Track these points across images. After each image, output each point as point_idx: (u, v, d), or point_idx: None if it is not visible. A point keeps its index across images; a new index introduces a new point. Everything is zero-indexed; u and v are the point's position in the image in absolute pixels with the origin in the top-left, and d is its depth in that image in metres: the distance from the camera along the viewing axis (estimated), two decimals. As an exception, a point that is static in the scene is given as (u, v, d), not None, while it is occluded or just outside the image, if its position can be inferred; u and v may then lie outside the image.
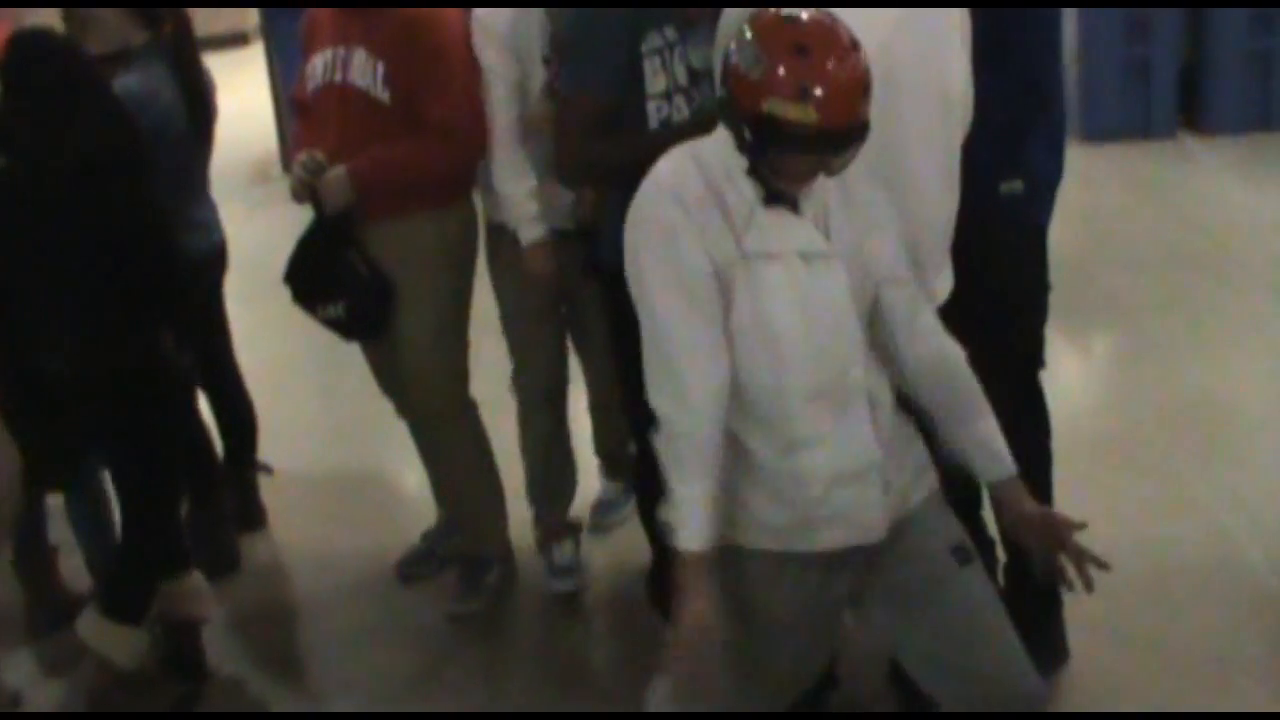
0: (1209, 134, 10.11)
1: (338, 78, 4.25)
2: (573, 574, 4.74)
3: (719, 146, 2.91)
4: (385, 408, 4.90)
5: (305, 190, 4.22)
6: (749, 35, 2.79)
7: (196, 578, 4.34)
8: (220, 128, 4.83)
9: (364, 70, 4.21)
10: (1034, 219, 3.84)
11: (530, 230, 4.29)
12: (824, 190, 2.91)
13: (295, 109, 4.66)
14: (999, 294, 3.71)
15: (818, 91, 2.70)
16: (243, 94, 10.52)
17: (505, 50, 4.18)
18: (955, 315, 3.52)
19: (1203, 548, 4.76)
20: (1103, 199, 9.02)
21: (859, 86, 2.74)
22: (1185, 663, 4.15)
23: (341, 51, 4.25)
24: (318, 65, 4.31)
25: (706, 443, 2.81)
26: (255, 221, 5.96)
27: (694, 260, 2.84)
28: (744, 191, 2.86)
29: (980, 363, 3.78)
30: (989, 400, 3.85)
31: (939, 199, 3.43)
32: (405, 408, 4.73)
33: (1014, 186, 3.70)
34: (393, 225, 4.23)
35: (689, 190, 2.87)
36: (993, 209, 3.58)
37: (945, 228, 3.47)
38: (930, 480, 3.11)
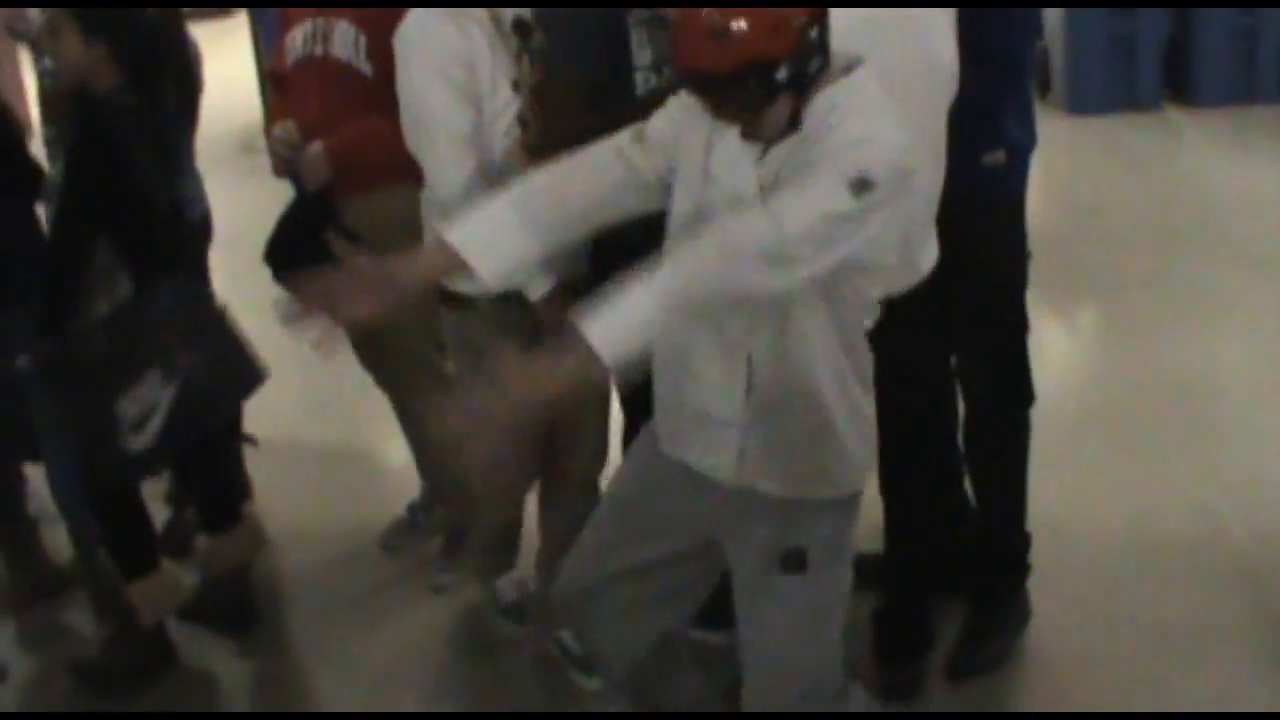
0: (1194, 107, 10.13)
1: (318, 50, 4.23)
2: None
3: None
4: (368, 380, 4.89)
5: (287, 167, 4.21)
6: None
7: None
8: (204, 99, 4.81)
9: (345, 42, 4.20)
10: (1013, 189, 3.86)
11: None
12: (793, 151, 2.77)
13: (273, 83, 4.64)
14: (984, 264, 3.73)
15: (674, 28, 2.72)
16: (227, 64, 10.47)
17: (456, 91, 3.69)
18: (941, 286, 3.53)
19: (1185, 523, 4.77)
20: (1088, 172, 9.04)
21: (703, 29, 2.62)
22: (1165, 637, 4.17)
23: (322, 23, 4.23)
24: (297, 37, 4.30)
25: (529, 189, 2.95)
26: (240, 193, 5.94)
27: (663, 122, 2.91)
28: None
29: (968, 332, 3.81)
30: (979, 367, 3.89)
31: (926, 171, 3.43)
32: (385, 380, 4.72)
33: (996, 157, 3.71)
34: (369, 198, 4.22)
35: None
36: (975, 181, 3.58)
37: (931, 199, 3.48)
38: (817, 489, 2.98)
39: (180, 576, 4.37)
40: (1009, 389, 3.98)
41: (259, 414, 5.37)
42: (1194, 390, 5.83)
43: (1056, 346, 6.47)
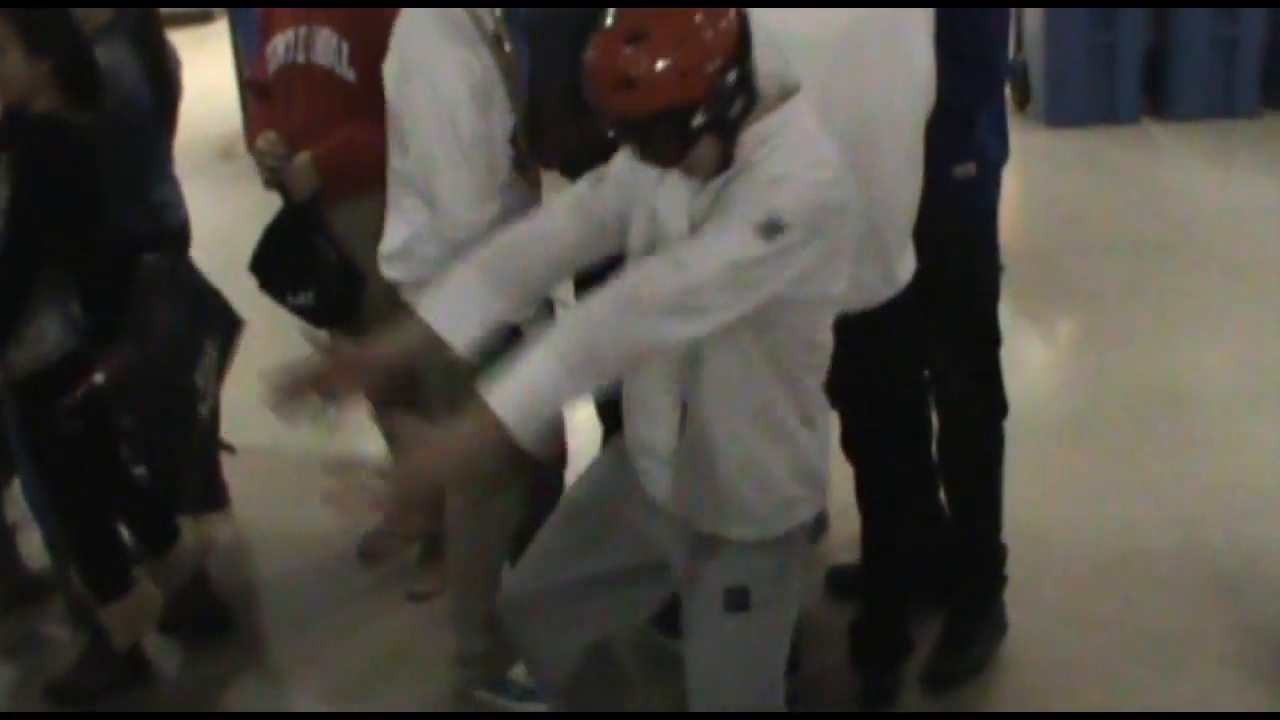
0: (1173, 120, 10.15)
1: (300, 57, 4.22)
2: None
3: None
4: (347, 388, 4.88)
5: (274, 178, 4.20)
6: None
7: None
8: (184, 105, 4.79)
9: (328, 49, 4.19)
10: (986, 201, 3.87)
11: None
12: (721, 188, 2.73)
13: (253, 91, 4.64)
14: (955, 276, 3.73)
15: (586, 73, 2.65)
16: (207, 71, 10.46)
17: (479, 124, 3.61)
18: (913, 299, 3.54)
19: (1163, 532, 4.79)
20: (1067, 184, 9.06)
21: (610, 77, 2.59)
22: (1144, 645, 4.18)
23: (304, 30, 4.22)
24: (279, 45, 4.29)
25: (492, 252, 2.98)
26: (219, 200, 5.93)
27: (621, 167, 2.91)
28: None
29: (941, 345, 3.82)
30: (953, 379, 3.89)
31: (905, 182, 3.45)
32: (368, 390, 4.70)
33: (967, 169, 3.72)
34: (356, 205, 4.21)
35: None
36: (946, 192, 3.59)
37: (909, 210, 3.49)
38: (753, 531, 2.93)
39: (155, 596, 4.32)
40: (982, 400, 3.99)
41: (238, 419, 5.35)
42: (1172, 399, 5.84)
43: (1035, 356, 6.49)
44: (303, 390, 2.96)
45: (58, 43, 3.85)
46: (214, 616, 4.56)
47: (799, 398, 2.87)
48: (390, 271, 3.86)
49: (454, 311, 2.90)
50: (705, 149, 2.67)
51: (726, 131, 2.66)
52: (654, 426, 2.91)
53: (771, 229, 2.58)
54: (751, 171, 2.67)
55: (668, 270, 2.61)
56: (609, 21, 2.63)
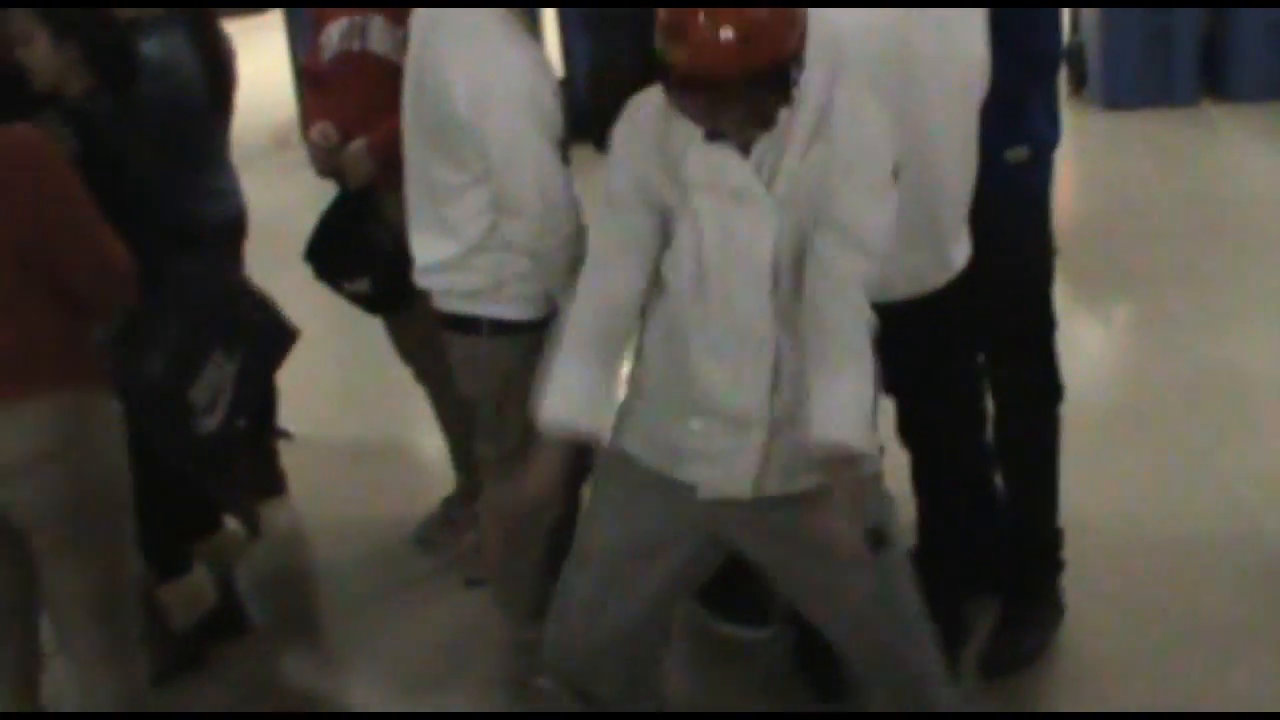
0: (1230, 102, 10.07)
1: (356, 45, 4.25)
2: None
3: None
4: (404, 374, 4.91)
5: (328, 167, 4.22)
6: None
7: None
8: (239, 94, 4.83)
9: (383, 37, 4.21)
10: (1037, 184, 3.85)
11: None
12: (786, 136, 2.79)
13: (308, 80, 4.66)
14: (1008, 261, 3.71)
15: (687, 33, 2.63)
16: (261, 60, 10.51)
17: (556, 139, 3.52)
18: (968, 284, 3.53)
19: (1218, 519, 4.75)
20: (1124, 167, 9.00)
21: (730, 33, 2.58)
22: (1198, 633, 4.16)
23: (359, 19, 4.25)
24: (333, 34, 4.31)
25: (591, 336, 2.93)
26: (274, 188, 5.97)
27: (622, 175, 2.90)
28: (686, 125, 2.80)
29: (995, 329, 3.81)
30: (1008, 364, 3.87)
31: (959, 166, 3.44)
32: (424, 375, 4.74)
33: (1019, 154, 3.70)
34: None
35: (644, 113, 2.89)
36: (999, 177, 3.57)
37: (964, 195, 3.48)
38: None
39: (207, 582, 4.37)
40: (1037, 385, 3.97)
41: (295, 408, 5.41)
42: (1229, 386, 5.80)
43: (1091, 342, 6.45)
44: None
45: (84, 27, 3.83)
46: (232, 622, 4.55)
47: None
48: (436, 283, 3.76)
49: (590, 406, 2.91)
50: (775, 107, 2.73)
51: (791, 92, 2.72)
52: (733, 395, 2.88)
53: (896, 174, 2.83)
54: (846, 128, 2.79)
55: (859, 257, 2.78)
56: None
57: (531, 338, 3.61)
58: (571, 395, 2.89)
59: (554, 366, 2.94)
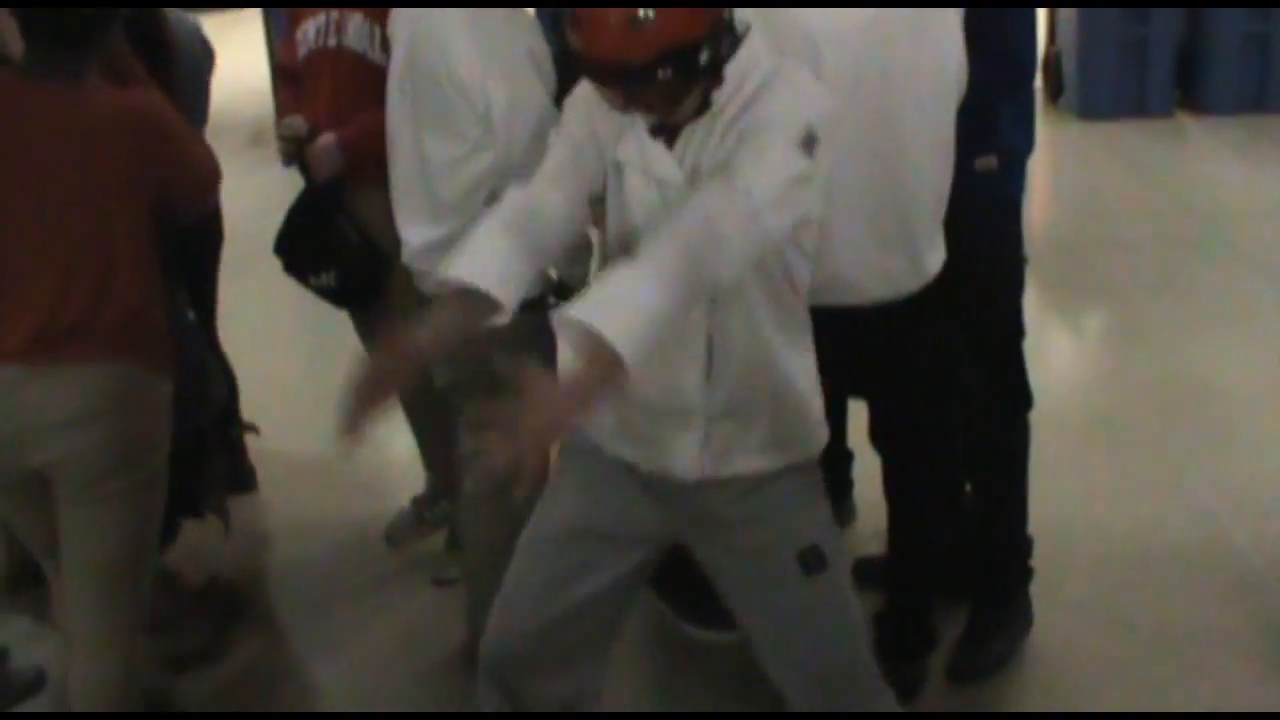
0: (1205, 114, 10.13)
1: (332, 42, 4.23)
2: None
3: None
4: (374, 374, 4.89)
5: (292, 154, 4.21)
6: None
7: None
8: (215, 89, 4.81)
9: (361, 34, 4.20)
10: (1008, 193, 3.86)
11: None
12: (708, 129, 2.72)
13: (283, 76, 4.65)
14: (977, 268, 3.71)
15: (583, 21, 2.58)
16: (238, 56, 10.51)
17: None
18: (936, 291, 3.54)
19: (1188, 529, 4.77)
20: (1098, 177, 9.04)
21: (620, 17, 2.52)
22: (1166, 642, 4.17)
23: (335, 16, 4.23)
24: (309, 30, 4.30)
25: (509, 220, 2.83)
26: (248, 186, 5.95)
27: (576, 119, 2.86)
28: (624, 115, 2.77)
29: (964, 336, 3.81)
30: (978, 371, 3.87)
31: (933, 172, 3.44)
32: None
33: (988, 162, 3.70)
34: (382, 192, 4.22)
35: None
36: (967, 185, 3.58)
37: (939, 200, 3.48)
38: (788, 455, 2.93)
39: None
40: (1006, 393, 3.98)
41: (265, 404, 5.39)
42: (1200, 396, 5.83)
43: (1062, 350, 6.47)
44: (373, 399, 2.89)
45: None
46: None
47: (802, 311, 2.91)
48: (432, 263, 3.74)
49: (498, 271, 2.75)
50: (695, 93, 2.66)
51: (717, 72, 2.66)
52: (668, 386, 2.83)
53: (809, 142, 2.61)
54: (763, 100, 2.68)
55: (734, 195, 2.56)
56: None
57: (527, 319, 3.62)
58: (479, 257, 2.78)
59: (467, 239, 2.85)
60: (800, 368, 2.91)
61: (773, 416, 2.88)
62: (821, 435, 3.00)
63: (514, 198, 2.89)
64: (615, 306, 2.47)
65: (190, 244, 4.22)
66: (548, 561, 3.03)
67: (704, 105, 2.70)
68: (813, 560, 2.90)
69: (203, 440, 4.22)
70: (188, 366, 3.99)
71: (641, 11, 2.53)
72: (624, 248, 2.79)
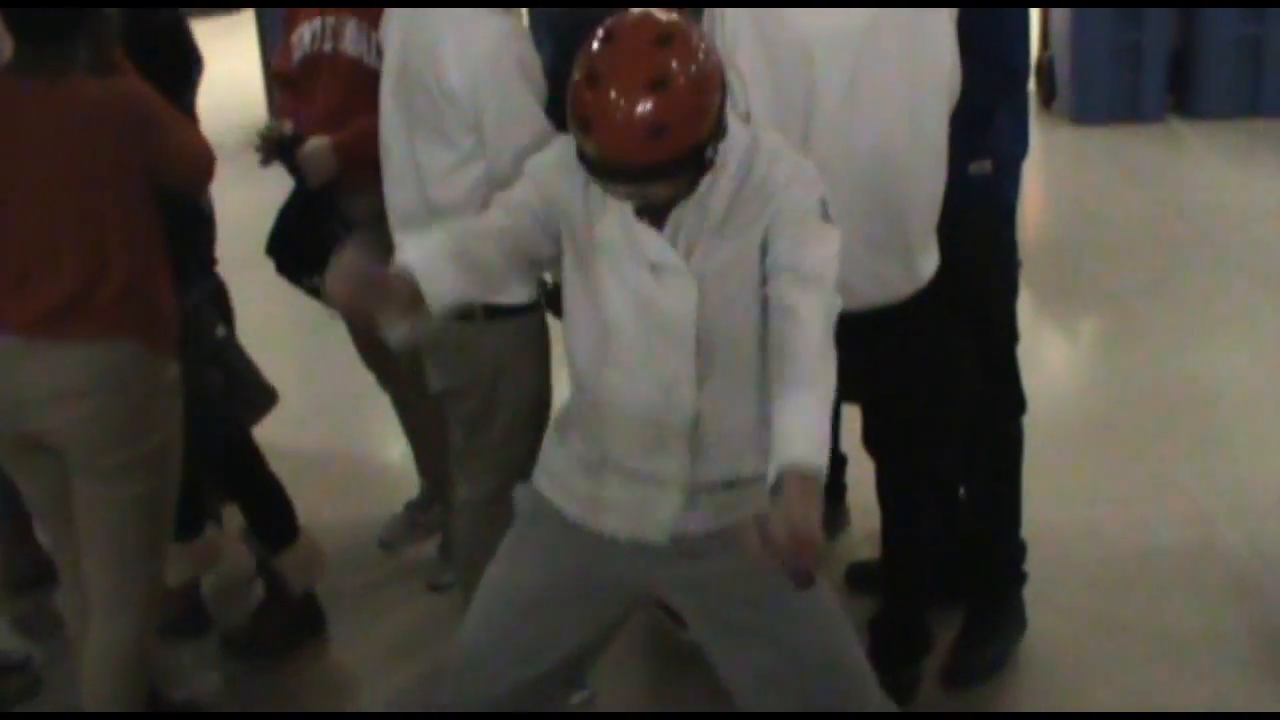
0: (1198, 119, 10.13)
1: (327, 47, 4.23)
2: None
3: None
4: (367, 379, 4.89)
5: (271, 154, 4.21)
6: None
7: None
8: (209, 93, 4.79)
9: (357, 39, 4.20)
10: (1002, 197, 3.86)
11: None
12: (707, 203, 2.73)
13: (278, 82, 4.65)
14: (972, 272, 3.72)
15: (596, 127, 2.58)
16: (233, 61, 10.50)
17: None
18: (931, 295, 3.54)
19: (1183, 531, 4.78)
20: (1091, 182, 9.05)
21: (640, 127, 2.54)
22: (1161, 645, 4.17)
23: (331, 21, 4.23)
24: (305, 34, 4.30)
25: (458, 234, 2.83)
26: (241, 189, 5.93)
27: (532, 190, 2.84)
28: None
29: (956, 341, 3.81)
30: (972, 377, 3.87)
31: (927, 176, 3.45)
32: (388, 379, 4.72)
33: (983, 166, 3.71)
34: (375, 194, 4.22)
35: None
36: (962, 190, 3.58)
37: (933, 205, 3.49)
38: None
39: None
40: (999, 398, 3.98)
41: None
42: (1193, 400, 5.84)
43: (1055, 355, 6.47)
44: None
45: None
46: (193, 619, 4.56)
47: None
48: None
49: (436, 272, 2.72)
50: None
51: (714, 161, 2.68)
52: (650, 457, 2.82)
53: (827, 213, 2.73)
54: (774, 181, 2.73)
55: (813, 288, 2.66)
56: (609, 56, 2.59)
57: (527, 321, 3.63)
58: (423, 246, 2.76)
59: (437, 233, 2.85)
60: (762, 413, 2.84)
61: (760, 483, 2.78)
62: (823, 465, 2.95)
63: (470, 222, 2.93)
64: (801, 431, 2.53)
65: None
66: (514, 632, 3.00)
67: (691, 187, 2.70)
68: (803, 577, 2.87)
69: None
70: (232, 376, 4.05)
71: (665, 119, 2.54)
72: (604, 331, 2.79)
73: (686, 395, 2.78)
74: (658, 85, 2.54)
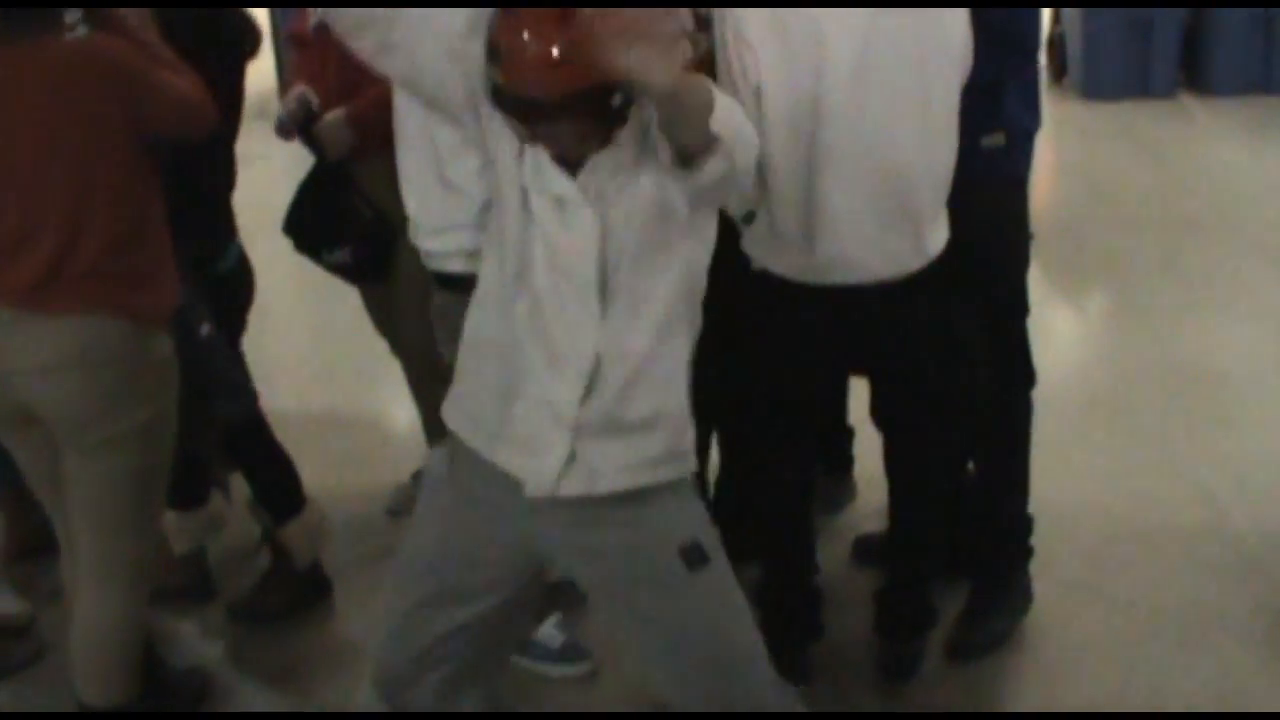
0: (1209, 95, 10.11)
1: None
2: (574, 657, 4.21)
3: None
4: (377, 346, 4.90)
5: (299, 123, 4.21)
6: None
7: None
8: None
9: (372, 6, 4.19)
10: (1014, 170, 3.86)
11: None
12: (612, 160, 2.70)
13: (293, 42, 4.65)
14: (983, 245, 3.72)
15: (504, 54, 2.57)
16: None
17: None
18: (942, 268, 3.54)
19: (1187, 509, 4.78)
20: (1101, 157, 9.03)
21: (542, 56, 2.51)
22: (1166, 622, 4.18)
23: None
24: (323, -1, 4.29)
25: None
26: (253, 158, 5.92)
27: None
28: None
29: (965, 314, 3.81)
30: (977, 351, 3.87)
31: (937, 150, 3.44)
32: (399, 346, 4.73)
33: (995, 140, 3.70)
34: (389, 162, 4.21)
35: None
36: (974, 163, 3.58)
37: (942, 180, 3.49)
38: (671, 470, 2.86)
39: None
40: (1009, 371, 3.99)
41: (268, 378, 5.38)
42: (1201, 377, 5.84)
43: (1064, 330, 6.47)
44: None
45: None
46: (199, 586, 4.61)
47: (694, 319, 2.85)
48: (443, 243, 3.68)
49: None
50: (599, 135, 2.65)
51: (625, 115, 2.64)
52: (546, 395, 2.79)
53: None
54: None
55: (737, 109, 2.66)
56: None
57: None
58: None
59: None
60: (683, 380, 2.85)
61: (649, 436, 2.82)
62: (693, 461, 2.92)
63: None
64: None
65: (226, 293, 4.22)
66: (418, 585, 3.05)
67: (605, 141, 2.67)
68: (695, 555, 2.84)
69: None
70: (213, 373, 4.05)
71: (559, 50, 2.50)
72: (519, 263, 2.77)
73: (585, 341, 2.75)
74: (565, 17, 2.50)
